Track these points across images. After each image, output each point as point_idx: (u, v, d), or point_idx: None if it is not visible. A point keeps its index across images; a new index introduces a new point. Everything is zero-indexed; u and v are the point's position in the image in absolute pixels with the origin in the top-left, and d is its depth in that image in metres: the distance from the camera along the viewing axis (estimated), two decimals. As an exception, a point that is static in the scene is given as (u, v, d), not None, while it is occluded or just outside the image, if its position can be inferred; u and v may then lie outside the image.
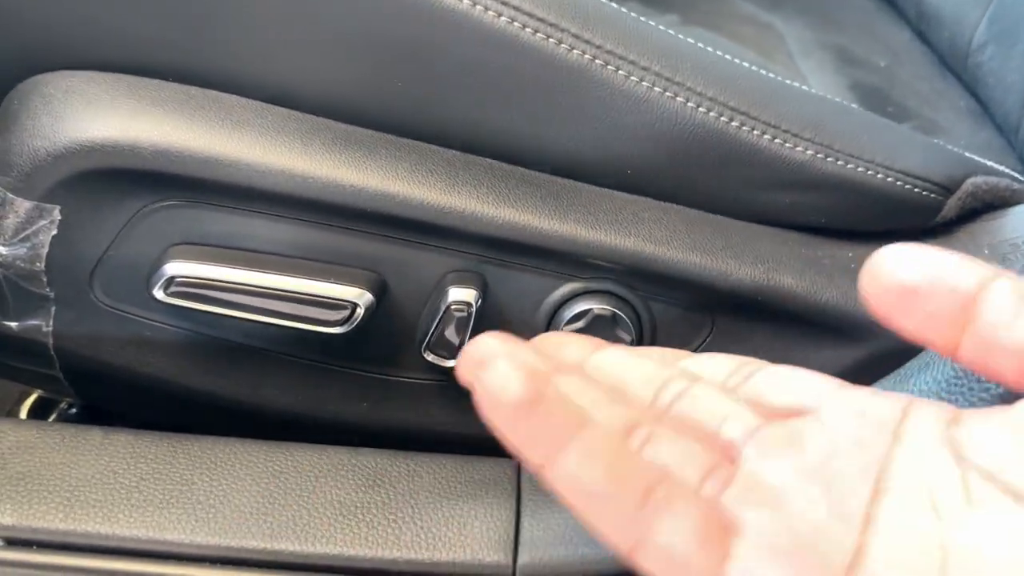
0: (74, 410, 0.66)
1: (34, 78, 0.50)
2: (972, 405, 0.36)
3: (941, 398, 0.37)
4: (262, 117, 0.50)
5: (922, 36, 0.87)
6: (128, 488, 0.43)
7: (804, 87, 0.57)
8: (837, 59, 0.83)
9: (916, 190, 0.53)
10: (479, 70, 0.49)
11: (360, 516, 0.42)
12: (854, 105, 0.69)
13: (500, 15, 0.48)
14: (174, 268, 0.50)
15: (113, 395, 0.58)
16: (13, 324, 0.53)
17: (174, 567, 0.40)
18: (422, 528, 0.42)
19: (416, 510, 0.43)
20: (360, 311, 0.51)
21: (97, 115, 0.49)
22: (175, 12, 0.49)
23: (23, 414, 0.66)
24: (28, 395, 0.67)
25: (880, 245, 0.56)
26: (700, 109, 0.50)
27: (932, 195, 0.54)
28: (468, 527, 0.42)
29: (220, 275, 0.50)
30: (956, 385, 0.36)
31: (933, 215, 0.55)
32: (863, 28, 0.88)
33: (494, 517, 0.43)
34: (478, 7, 0.47)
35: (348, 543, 0.41)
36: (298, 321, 0.51)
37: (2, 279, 0.51)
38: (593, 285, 0.52)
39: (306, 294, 0.50)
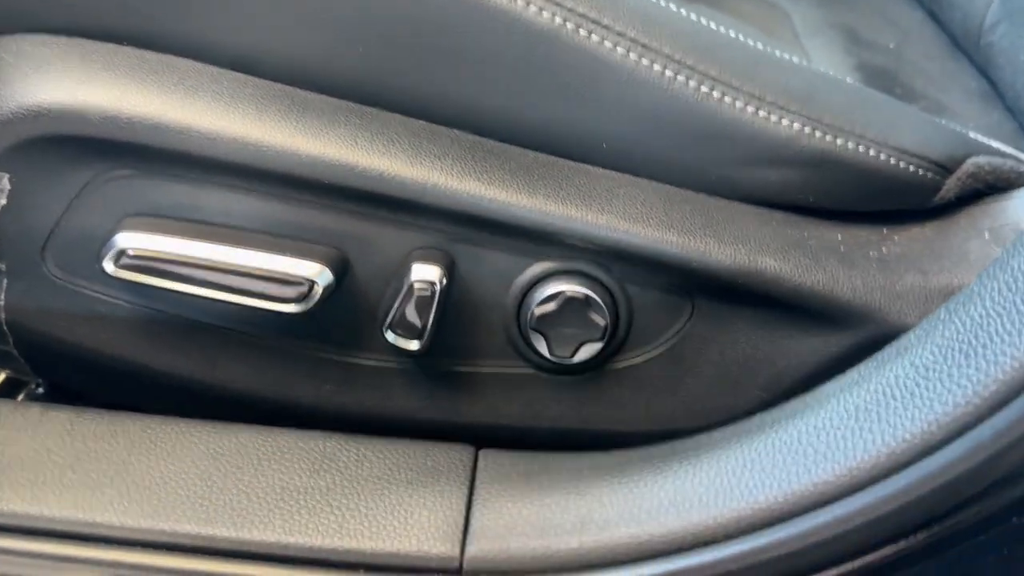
0: (41, 390, 0.64)
1: (-17, 42, 0.49)
2: (950, 392, 0.33)
3: (919, 384, 0.34)
4: (217, 83, 0.48)
5: (934, 16, 0.83)
6: (62, 467, 0.41)
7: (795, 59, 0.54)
8: (845, 39, 0.80)
9: (911, 168, 0.50)
10: (442, 34, 0.47)
11: (302, 502, 0.40)
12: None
13: None
14: (125, 240, 0.48)
15: (69, 373, 0.56)
16: (-37, 296, 0.51)
17: (102, 550, 0.38)
18: (366, 516, 0.40)
19: (362, 497, 0.41)
20: (318, 288, 0.48)
21: (46, 80, 0.47)
22: None
23: (-11, 393, 0.64)
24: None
25: (872, 226, 0.53)
26: (678, 78, 0.48)
27: (929, 174, 0.51)
28: (415, 516, 0.40)
29: (172, 248, 0.48)
30: (935, 371, 0.33)
31: (930, 196, 0.52)
32: (873, 8, 0.84)
33: (443, 506, 0.41)
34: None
35: (286, 530, 0.39)
36: (253, 297, 0.48)
37: (-50, 249, 0.49)
38: (565, 265, 0.50)
39: (262, 269, 0.48)
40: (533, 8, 0.46)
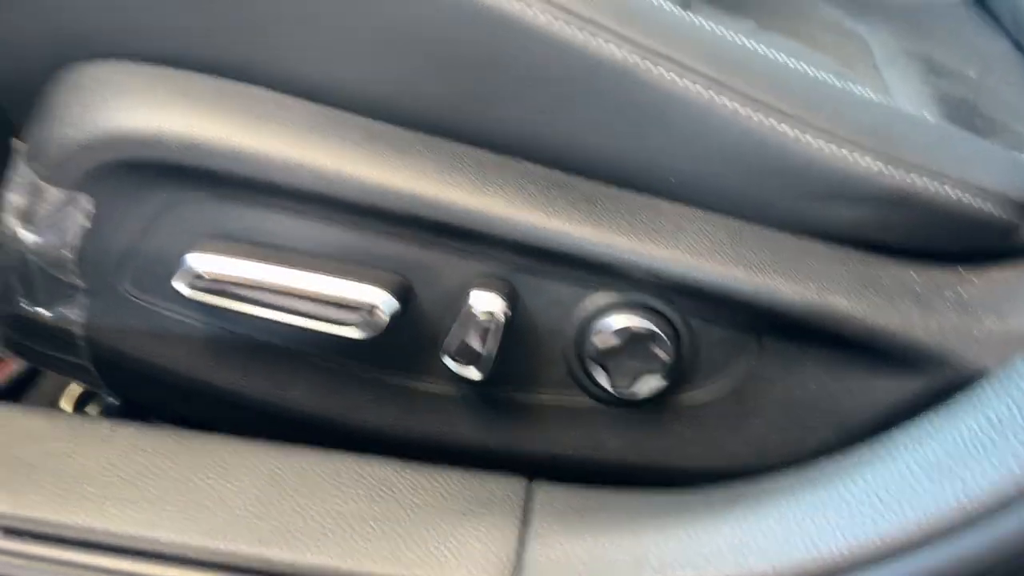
0: (113, 401, 0.66)
1: (70, 67, 0.51)
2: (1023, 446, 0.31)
3: (993, 439, 0.32)
4: (290, 111, 0.49)
5: (1019, 47, 0.80)
6: (125, 482, 0.42)
7: (877, 95, 0.52)
8: (924, 69, 0.78)
9: (991, 208, 0.48)
10: (514, 69, 0.47)
11: (356, 528, 0.40)
12: (936, 117, 0.64)
13: (536, 9, 0.45)
14: (196, 261, 0.49)
15: (141, 388, 0.57)
16: (44, 311, 0.53)
17: (161, 567, 0.39)
18: (419, 545, 0.40)
19: (415, 525, 0.41)
20: (383, 315, 0.49)
21: (126, 106, 0.48)
22: (210, 3, 0.48)
23: (64, 403, 0.66)
24: (72, 385, 0.68)
25: (949, 266, 0.51)
26: (750, 114, 0.47)
27: (1010, 214, 0.49)
28: (467, 548, 0.40)
29: (242, 271, 0.49)
30: (1010, 424, 0.32)
31: (1011, 236, 0.50)
32: (954, 37, 0.82)
33: (496, 539, 0.40)
34: (516, 3, 0.45)
35: (339, 555, 0.39)
36: (320, 322, 0.49)
37: (34, 266, 0.51)
38: (629, 297, 0.49)
39: (329, 295, 0.49)
40: (604, 44, 0.46)
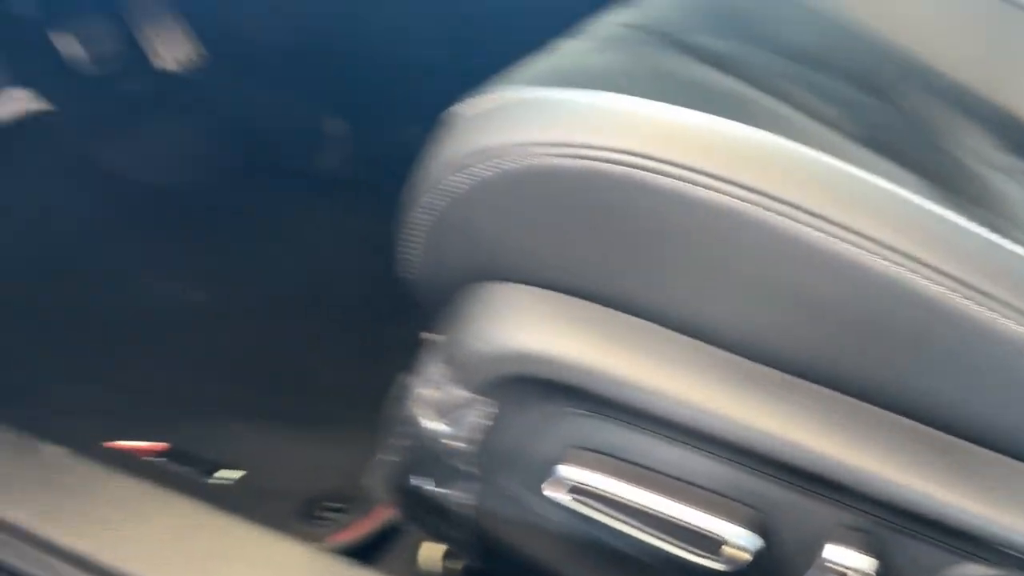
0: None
1: (482, 284, 0.58)
2: None
3: None
4: (670, 346, 0.52)
5: None
6: None
7: None
8: None
9: None
10: (900, 332, 0.47)
11: None
12: None
13: (931, 280, 0.46)
14: (565, 470, 0.54)
15: (505, 563, 0.63)
16: (437, 489, 0.61)
17: None
18: None
19: None
20: (747, 554, 0.50)
21: (526, 327, 0.55)
22: (616, 245, 0.52)
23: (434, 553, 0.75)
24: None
25: None
26: None
27: None
28: None
29: (607, 487, 0.53)
30: None
31: None
32: None
33: None
34: (910, 274, 0.46)
35: None
36: (679, 548, 0.52)
37: (433, 451, 0.59)
38: (1003, 573, 0.46)
39: (691, 524, 0.51)
40: (997, 316, 0.45)
